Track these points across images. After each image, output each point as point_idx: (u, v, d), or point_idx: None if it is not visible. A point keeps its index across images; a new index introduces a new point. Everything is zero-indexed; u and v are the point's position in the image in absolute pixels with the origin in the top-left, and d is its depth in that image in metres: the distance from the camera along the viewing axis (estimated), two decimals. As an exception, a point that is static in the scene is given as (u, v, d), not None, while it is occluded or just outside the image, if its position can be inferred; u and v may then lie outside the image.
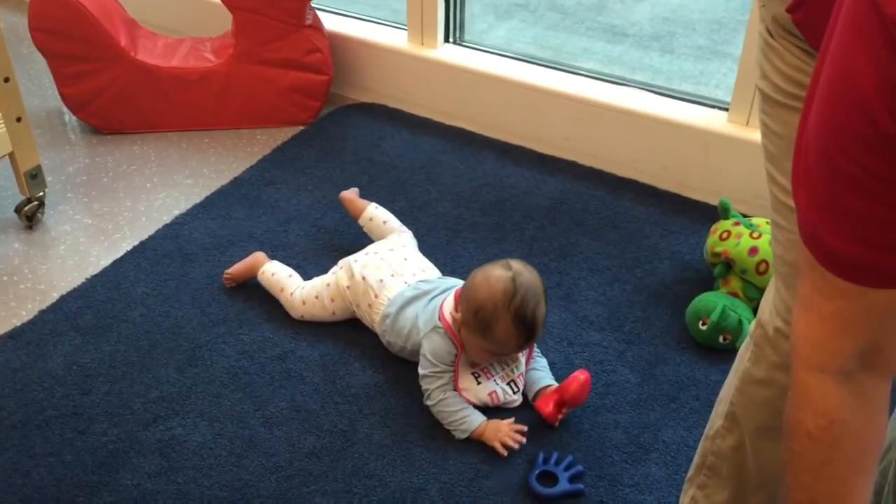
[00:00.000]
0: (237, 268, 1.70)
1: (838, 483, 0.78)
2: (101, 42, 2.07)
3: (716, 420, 1.15)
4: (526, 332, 1.37)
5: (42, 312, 1.64)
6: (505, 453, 1.38)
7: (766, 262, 1.57)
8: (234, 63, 2.17)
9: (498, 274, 1.39)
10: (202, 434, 1.41)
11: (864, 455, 0.78)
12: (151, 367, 1.53)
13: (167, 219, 1.91)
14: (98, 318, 1.63)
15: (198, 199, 1.97)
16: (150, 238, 1.84)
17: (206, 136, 2.21)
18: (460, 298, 1.44)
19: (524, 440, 1.40)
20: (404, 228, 1.75)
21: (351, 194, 1.81)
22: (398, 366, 1.54)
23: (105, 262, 1.78)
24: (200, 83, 2.18)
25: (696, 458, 1.19)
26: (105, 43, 2.08)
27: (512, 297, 1.36)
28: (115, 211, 1.94)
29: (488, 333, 1.38)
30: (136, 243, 1.83)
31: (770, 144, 0.94)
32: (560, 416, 1.43)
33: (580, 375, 1.41)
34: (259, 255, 1.70)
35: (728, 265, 1.62)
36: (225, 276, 1.70)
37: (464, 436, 1.40)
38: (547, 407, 1.41)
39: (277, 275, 1.66)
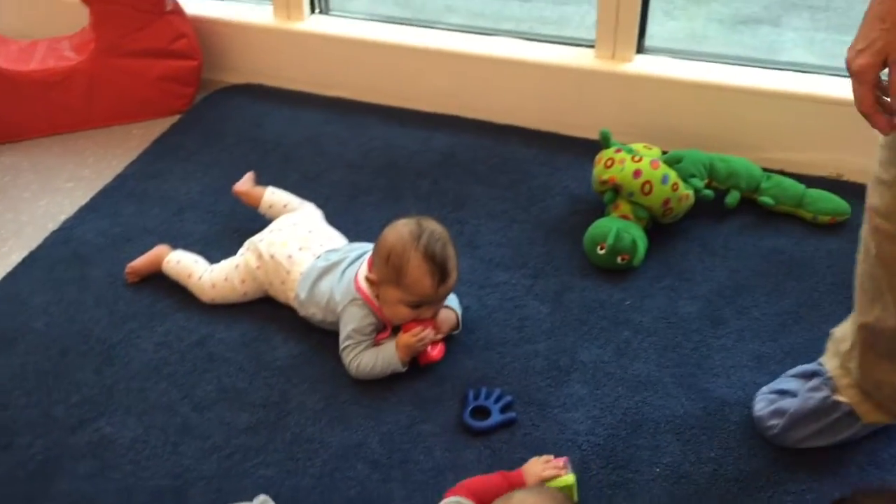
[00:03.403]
0: (139, 261, 1.67)
1: None
2: (-50, 52, 1.98)
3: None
4: (438, 269, 1.42)
5: (-62, 337, 1.57)
6: (429, 344, 1.45)
7: (649, 182, 1.67)
8: (97, 59, 2.10)
9: (403, 222, 1.47)
10: (132, 429, 1.40)
11: None
12: (67, 373, 1.50)
13: (53, 225, 1.84)
14: (0, 333, 1.58)
15: (83, 202, 1.91)
16: (40, 247, 1.78)
17: (80, 138, 2.13)
18: (372, 257, 1.47)
19: (427, 331, 1.44)
20: (305, 203, 1.76)
21: (244, 185, 1.79)
22: (319, 334, 1.56)
23: (-5, 277, 1.71)
24: (64, 84, 2.10)
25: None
26: (-45, 53, 1.98)
27: (419, 236, 1.42)
28: (-5, 225, 1.87)
29: (402, 277, 1.41)
30: (25, 254, 1.76)
31: None
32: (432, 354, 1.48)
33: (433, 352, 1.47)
34: (162, 248, 1.68)
35: (616, 190, 1.71)
36: (127, 270, 1.67)
37: (402, 366, 1.45)
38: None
39: (183, 261, 1.64)
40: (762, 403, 1.35)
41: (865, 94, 0.97)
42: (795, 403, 1.31)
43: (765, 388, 1.38)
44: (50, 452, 1.36)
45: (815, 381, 1.31)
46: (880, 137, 1.07)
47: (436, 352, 1.47)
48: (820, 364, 1.33)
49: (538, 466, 1.25)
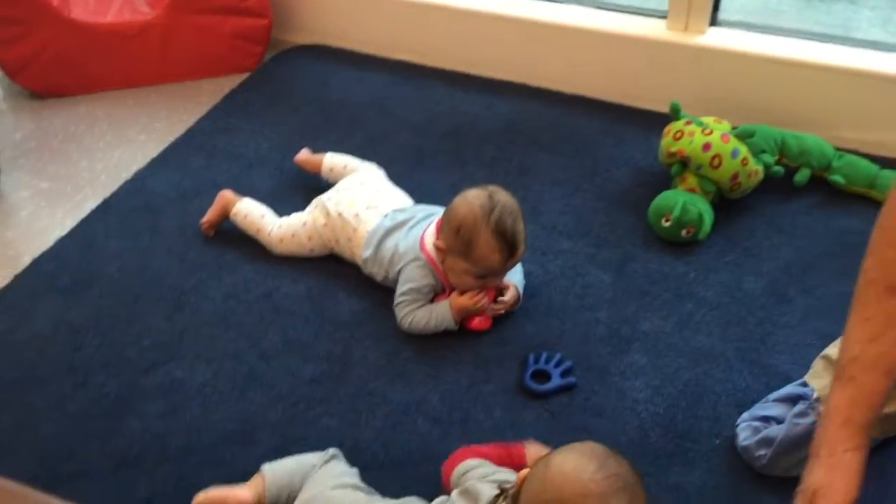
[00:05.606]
0: (210, 215, 1.71)
1: None
2: (32, 2, 2.02)
3: None
4: (507, 246, 1.42)
5: (17, 277, 1.63)
6: (484, 307, 1.47)
7: (719, 156, 1.65)
8: (171, 14, 2.13)
9: (475, 193, 1.46)
10: (202, 374, 1.44)
11: None
12: (139, 318, 1.55)
13: (127, 175, 1.89)
14: (75, 277, 1.63)
15: (154, 154, 1.96)
16: (114, 195, 1.83)
17: (153, 91, 2.18)
18: (442, 225, 1.49)
19: (485, 299, 1.47)
20: (367, 163, 1.78)
21: (304, 155, 1.84)
22: (382, 292, 1.58)
23: (71, 222, 1.76)
24: (140, 37, 2.14)
25: None
26: (36, 3, 2.02)
27: (490, 211, 1.42)
28: (72, 173, 1.92)
29: (471, 251, 1.43)
30: (99, 202, 1.82)
31: None
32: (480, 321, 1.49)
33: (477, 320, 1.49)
34: (225, 195, 1.71)
35: (684, 163, 1.70)
36: (203, 226, 1.71)
37: (454, 325, 1.47)
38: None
39: (250, 216, 1.68)
40: (746, 433, 1.28)
41: None
42: (782, 431, 1.24)
43: (746, 415, 1.31)
44: (123, 391, 1.41)
45: (800, 406, 1.25)
46: None
47: (479, 321, 1.48)
48: (805, 384, 1.28)
49: (537, 447, 1.25)
